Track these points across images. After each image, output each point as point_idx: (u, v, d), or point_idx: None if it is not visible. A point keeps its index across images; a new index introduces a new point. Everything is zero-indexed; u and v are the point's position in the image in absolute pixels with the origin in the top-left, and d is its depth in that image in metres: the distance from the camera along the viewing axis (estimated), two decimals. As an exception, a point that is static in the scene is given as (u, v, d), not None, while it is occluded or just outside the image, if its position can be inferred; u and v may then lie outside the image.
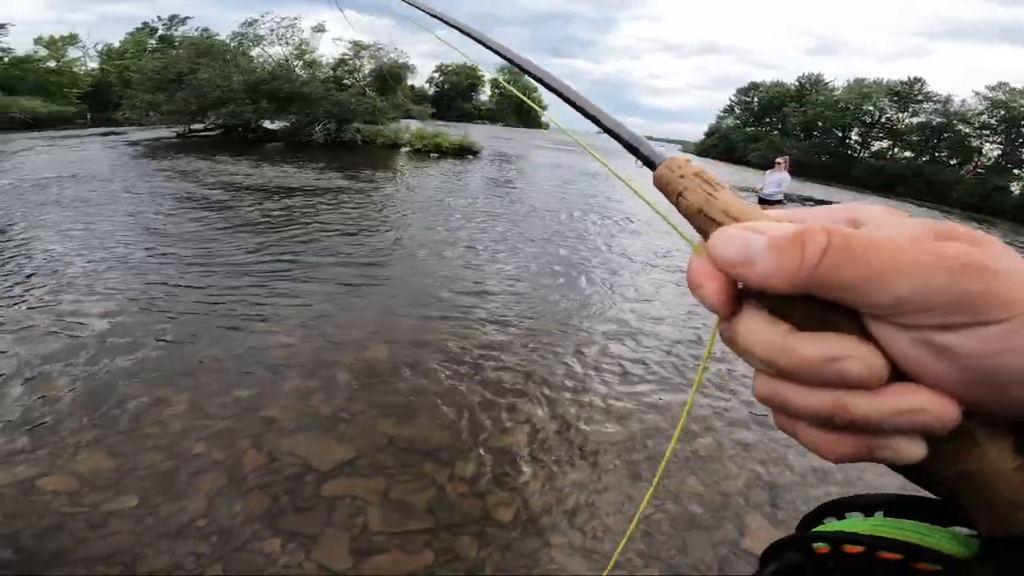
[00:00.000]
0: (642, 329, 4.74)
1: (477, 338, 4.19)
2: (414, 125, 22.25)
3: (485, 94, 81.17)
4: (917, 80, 41.94)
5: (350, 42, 22.67)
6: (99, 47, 40.25)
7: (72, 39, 37.83)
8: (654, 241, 8.61)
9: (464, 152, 19.50)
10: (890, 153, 43.88)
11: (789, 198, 12.08)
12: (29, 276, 4.78)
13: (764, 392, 0.24)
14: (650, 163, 0.28)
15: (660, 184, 0.27)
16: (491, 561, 2.18)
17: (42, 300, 4.27)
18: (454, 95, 77.22)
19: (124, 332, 3.81)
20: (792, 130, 49.20)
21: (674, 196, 0.26)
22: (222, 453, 2.63)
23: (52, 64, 35.75)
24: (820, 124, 46.85)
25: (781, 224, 0.22)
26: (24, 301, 4.24)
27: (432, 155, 18.70)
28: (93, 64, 39.46)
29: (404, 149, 19.58)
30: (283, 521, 2.26)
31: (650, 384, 3.75)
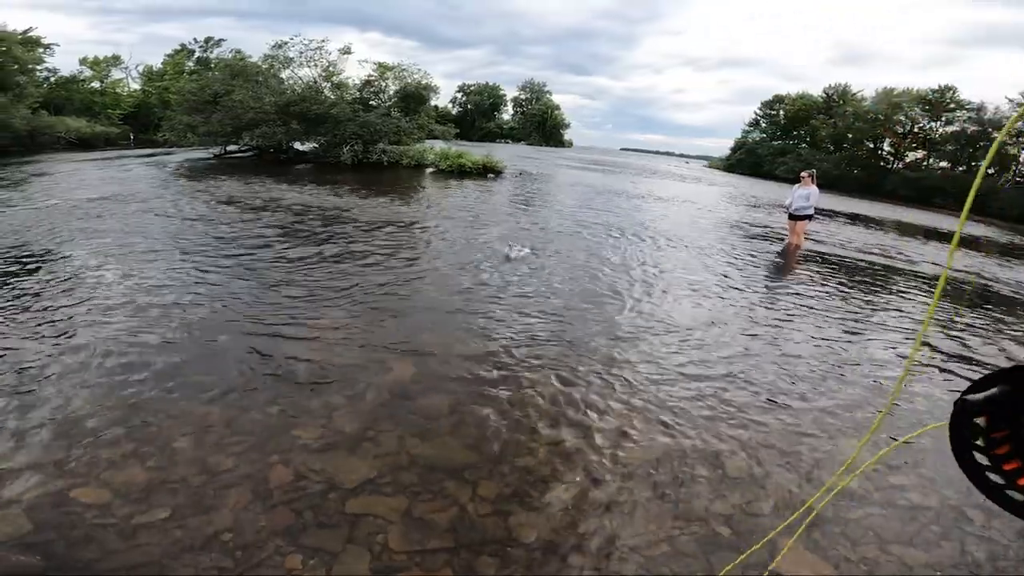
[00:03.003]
0: (673, 353, 4.67)
1: (504, 359, 4.18)
2: (438, 145, 22.55)
3: (508, 113, 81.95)
4: (948, 88, 40.63)
5: (375, 63, 23.20)
6: (140, 68, 41.89)
7: (115, 60, 39.48)
8: (685, 258, 8.51)
9: (488, 172, 19.67)
10: (925, 164, 42.56)
11: (819, 211, 11.82)
12: (74, 293, 4.98)
13: None
14: None
15: None
16: (513, 583, 2.14)
17: (84, 317, 4.43)
18: (477, 115, 78.22)
19: (160, 349, 3.92)
20: (822, 143, 48.16)
21: None
22: (250, 468, 2.66)
23: (96, 85, 37.29)
24: (850, 136, 45.73)
25: None
26: (67, 317, 4.41)
27: (457, 175, 18.91)
28: (135, 85, 40.92)
29: (429, 169, 19.85)
30: (306, 537, 2.27)
31: (673, 412, 3.67)
